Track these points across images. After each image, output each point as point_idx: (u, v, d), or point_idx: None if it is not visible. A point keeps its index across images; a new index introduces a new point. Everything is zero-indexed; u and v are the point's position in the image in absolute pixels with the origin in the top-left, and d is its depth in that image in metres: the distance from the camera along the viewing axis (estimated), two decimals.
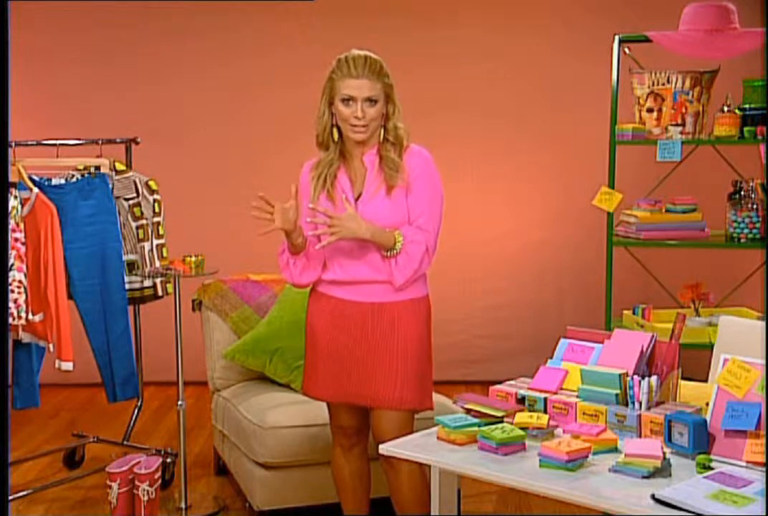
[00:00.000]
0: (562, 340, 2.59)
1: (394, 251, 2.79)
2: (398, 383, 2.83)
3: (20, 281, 3.59)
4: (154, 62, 5.47)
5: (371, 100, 2.77)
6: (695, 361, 2.87)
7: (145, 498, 3.44)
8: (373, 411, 2.89)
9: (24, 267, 3.60)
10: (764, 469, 2.06)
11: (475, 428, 2.31)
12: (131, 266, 3.98)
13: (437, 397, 3.10)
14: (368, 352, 2.84)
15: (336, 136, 2.85)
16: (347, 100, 2.77)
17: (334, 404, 2.95)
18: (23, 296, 3.60)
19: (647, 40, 3.78)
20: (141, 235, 4.02)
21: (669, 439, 2.19)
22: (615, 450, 2.21)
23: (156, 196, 4.04)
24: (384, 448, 2.36)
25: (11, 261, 3.54)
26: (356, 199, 2.83)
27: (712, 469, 2.08)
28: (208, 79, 5.47)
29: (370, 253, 2.82)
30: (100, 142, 4.08)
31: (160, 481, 3.53)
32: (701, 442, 2.15)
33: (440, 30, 5.38)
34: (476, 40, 5.39)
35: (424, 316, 2.89)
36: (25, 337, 3.70)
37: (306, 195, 2.89)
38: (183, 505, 3.63)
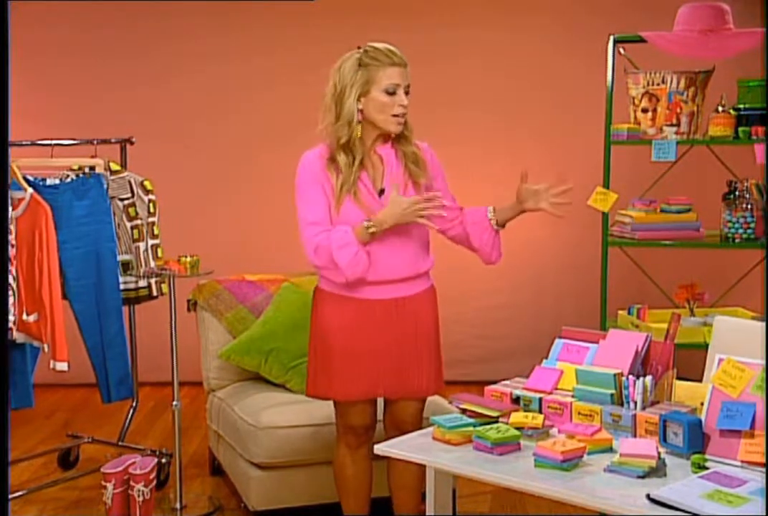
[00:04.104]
0: (557, 340, 2.59)
1: (504, 227, 2.98)
2: (426, 371, 2.92)
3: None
4: (150, 62, 5.46)
5: (407, 91, 2.81)
6: (690, 361, 2.88)
7: (140, 498, 3.43)
8: (397, 402, 2.94)
9: (14, 270, 3.59)
10: (759, 468, 2.06)
11: (471, 428, 2.31)
12: (126, 266, 3.97)
13: (432, 398, 3.11)
14: (395, 345, 2.88)
15: (359, 133, 2.80)
16: (392, 91, 2.76)
17: (349, 403, 2.94)
18: (9, 300, 3.60)
19: (642, 40, 3.78)
20: (136, 236, 4.01)
21: (664, 439, 2.19)
22: (610, 450, 2.21)
23: (151, 197, 4.04)
24: (379, 448, 2.36)
25: None
26: (379, 195, 2.84)
27: (707, 468, 2.08)
28: (204, 80, 5.46)
29: (408, 248, 2.87)
30: (95, 142, 4.07)
31: (155, 482, 3.53)
32: (696, 441, 2.15)
33: (440, 29, 5.36)
34: (474, 39, 5.38)
35: (435, 304, 3.00)
36: (19, 338, 3.69)
37: (321, 184, 2.83)
38: (178, 506, 3.63)
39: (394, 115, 2.78)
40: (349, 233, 2.76)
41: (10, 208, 3.61)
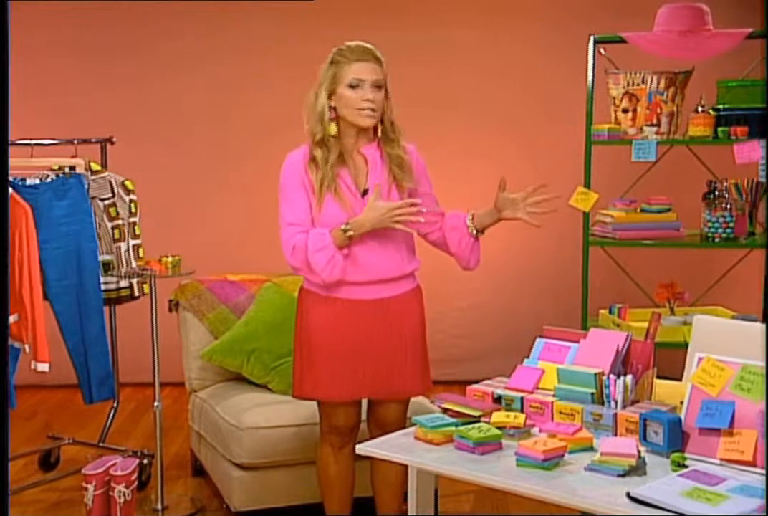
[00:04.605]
0: (538, 340, 2.60)
1: (483, 233, 2.94)
2: (411, 373, 2.92)
3: None
4: (132, 63, 5.44)
5: (378, 86, 2.80)
6: (670, 360, 2.90)
7: (122, 500, 3.42)
8: (381, 403, 2.95)
9: None
10: (737, 466, 2.08)
11: (452, 428, 2.31)
12: (107, 267, 3.96)
13: (414, 398, 3.11)
14: (379, 346, 2.88)
15: (333, 130, 2.83)
16: (356, 85, 2.77)
17: (333, 404, 2.94)
18: None
19: (622, 40, 3.80)
20: (117, 236, 4.00)
21: (644, 438, 2.20)
22: (591, 449, 2.22)
23: (132, 197, 4.02)
24: (361, 448, 2.36)
25: None
26: (362, 195, 2.84)
27: (686, 467, 2.10)
28: (186, 80, 5.44)
29: (393, 249, 2.87)
30: (75, 142, 4.06)
31: (136, 483, 3.52)
32: (676, 440, 2.16)
33: (425, 30, 5.35)
34: (458, 40, 5.39)
35: (421, 304, 3.00)
36: None
37: (305, 186, 2.84)
38: (159, 507, 3.62)
39: (360, 109, 2.79)
40: (326, 236, 2.78)
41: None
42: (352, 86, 2.78)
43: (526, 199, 2.87)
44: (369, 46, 2.83)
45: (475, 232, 2.94)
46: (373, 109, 2.79)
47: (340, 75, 2.79)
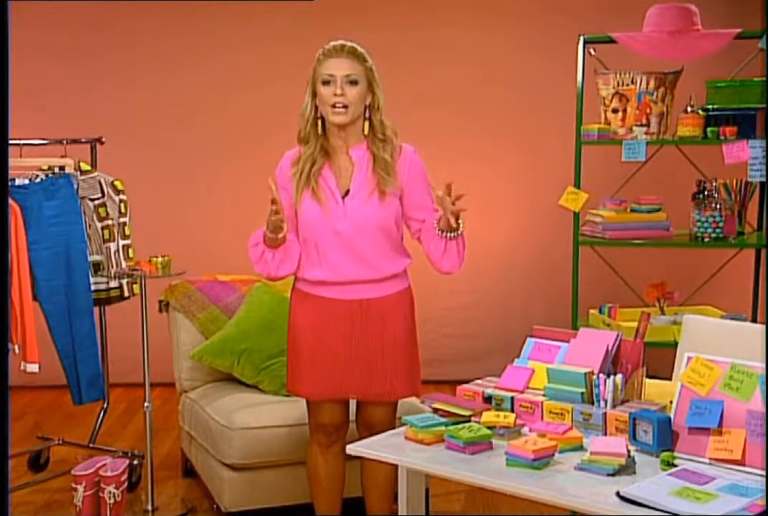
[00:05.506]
0: (528, 339, 2.61)
1: (458, 232, 2.78)
2: (395, 375, 2.89)
3: None
4: (121, 61, 5.42)
5: (352, 82, 2.77)
6: (660, 359, 2.90)
7: (111, 501, 3.41)
8: (367, 405, 2.94)
9: None
10: (726, 465, 2.09)
11: (443, 427, 2.31)
12: (97, 267, 3.95)
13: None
14: (361, 348, 2.87)
15: (319, 129, 2.83)
16: (327, 81, 2.77)
17: (318, 402, 2.94)
18: None
19: (612, 40, 3.81)
20: (107, 236, 3.99)
21: (634, 437, 2.21)
22: (581, 448, 2.22)
23: (122, 197, 4.01)
24: (352, 448, 2.36)
25: None
26: (343, 196, 2.83)
27: (675, 466, 2.10)
28: (175, 79, 5.43)
29: (369, 250, 2.82)
30: (64, 142, 4.04)
31: (126, 484, 3.52)
32: (665, 439, 2.17)
33: (416, 29, 5.36)
34: (451, 40, 5.39)
35: (409, 306, 2.95)
36: None
37: (286, 186, 2.86)
38: (150, 508, 3.61)
39: (331, 106, 2.77)
40: (260, 235, 2.83)
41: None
42: (324, 83, 2.78)
43: (450, 198, 2.70)
44: (348, 43, 2.81)
45: (440, 232, 2.81)
46: (345, 105, 2.76)
47: (317, 73, 2.80)
